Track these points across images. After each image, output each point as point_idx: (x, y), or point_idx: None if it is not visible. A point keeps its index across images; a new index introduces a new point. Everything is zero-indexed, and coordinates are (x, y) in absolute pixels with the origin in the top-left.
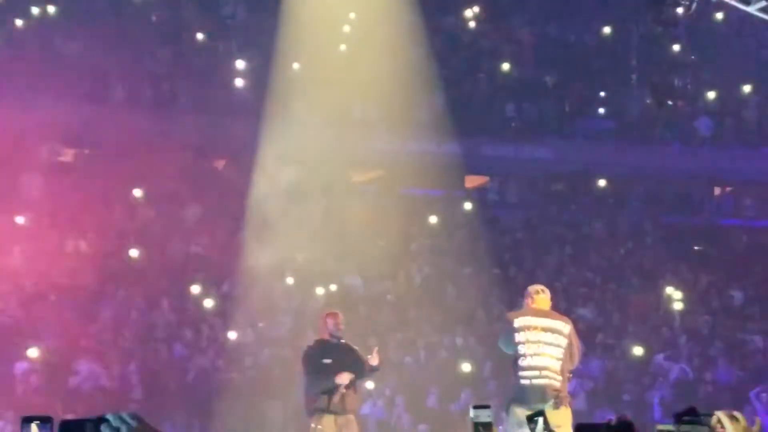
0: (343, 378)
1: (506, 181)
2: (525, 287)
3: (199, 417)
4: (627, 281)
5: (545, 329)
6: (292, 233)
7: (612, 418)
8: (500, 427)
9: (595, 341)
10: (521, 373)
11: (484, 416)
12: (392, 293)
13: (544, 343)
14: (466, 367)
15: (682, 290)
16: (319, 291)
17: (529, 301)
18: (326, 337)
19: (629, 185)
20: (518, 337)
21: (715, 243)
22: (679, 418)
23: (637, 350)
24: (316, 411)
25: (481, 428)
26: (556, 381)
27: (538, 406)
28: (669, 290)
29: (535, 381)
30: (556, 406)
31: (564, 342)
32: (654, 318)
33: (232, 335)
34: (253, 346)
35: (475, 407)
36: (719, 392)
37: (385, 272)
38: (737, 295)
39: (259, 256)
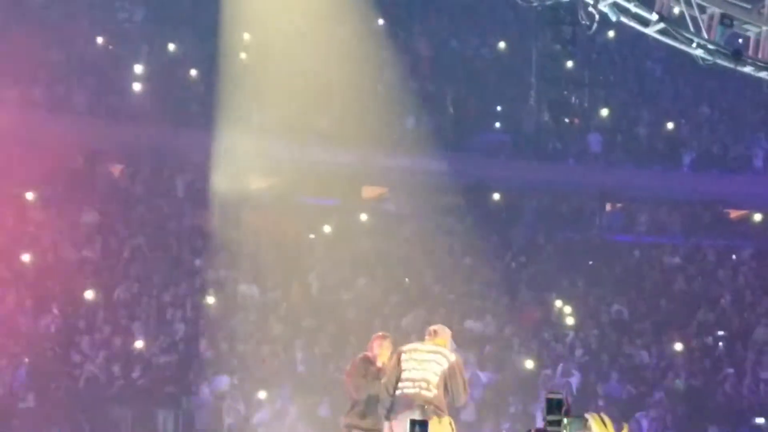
0: None
1: (402, 192)
2: (420, 298)
3: (90, 424)
4: (519, 294)
5: (430, 351)
6: (187, 240)
7: None
8: None
9: (485, 353)
10: (398, 385)
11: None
12: (287, 302)
13: (427, 360)
14: None
15: (573, 304)
16: (210, 300)
17: (427, 338)
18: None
19: (523, 199)
20: (403, 358)
21: (606, 258)
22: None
23: (528, 363)
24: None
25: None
26: (428, 392)
27: (407, 415)
28: (558, 304)
29: (406, 390)
30: (424, 416)
31: (445, 363)
32: (545, 331)
33: (139, 343)
34: (145, 353)
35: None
36: (608, 406)
37: (280, 281)
38: (625, 310)
39: (154, 262)
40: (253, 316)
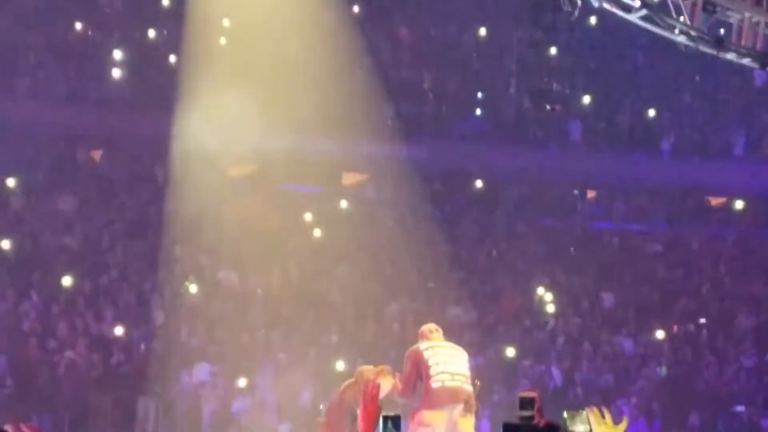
0: None
1: (382, 179)
2: (400, 285)
3: (69, 411)
4: (501, 282)
5: (451, 347)
6: (167, 227)
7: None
8: None
9: (466, 340)
10: (433, 378)
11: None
12: (267, 289)
13: (454, 356)
14: (339, 365)
15: (555, 292)
16: (190, 287)
17: (435, 334)
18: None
19: (504, 187)
20: (426, 354)
21: (588, 246)
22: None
23: (509, 351)
24: None
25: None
26: (468, 386)
27: (449, 408)
28: (540, 291)
29: (447, 383)
30: (467, 410)
31: (467, 360)
32: (526, 319)
33: (119, 330)
34: (125, 340)
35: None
36: (589, 395)
37: (260, 268)
38: (608, 298)
39: (134, 249)
40: (232, 304)
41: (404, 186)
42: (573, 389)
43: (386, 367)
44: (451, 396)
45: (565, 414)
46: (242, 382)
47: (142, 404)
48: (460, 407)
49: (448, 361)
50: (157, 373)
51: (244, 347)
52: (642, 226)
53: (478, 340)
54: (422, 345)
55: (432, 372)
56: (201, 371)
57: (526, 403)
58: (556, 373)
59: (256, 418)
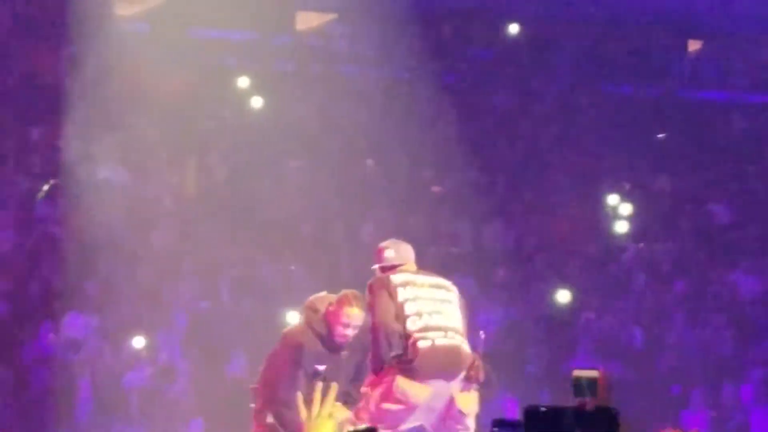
0: None
1: (360, 22)
2: (386, 191)
3: None
4: (548, 183)
5: (433, 286)
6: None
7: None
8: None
9: (493, 279)
10: (418, 335)
11: None
12: (177, 196)
13: (444, 300)
14: (291, 317)
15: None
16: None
17: (402, 265)
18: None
19: (556, 35)
20: (402, 294)
21: (689, 128)
22: None
23: (562, 295)
24: None
25: None
26: (467, 348)
27: (442, 380)
28: (612, 200)
29: (440, 342)
30: (472, 380)
31: (459, 303)
32: (590, 245)
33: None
34: None
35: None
36: (688, 368)
37: (167, 162)
38: (721, 212)
39: None
40: (123, 218)
41: (396, 33)
42: (663, 357)
43: (351, 294)
44: (446, 362)
45: None
46: (139, 342)
47: None
48: (460, 378)
49: (435, 309)
50: (7, 328)
51: (142, 287)
52: None
53: (508, 278)
54: (395, 279)
55: (412, 326)
56: (72, 325)
57: (582, 387)
58: (637, 330)
59: (160, 398)
